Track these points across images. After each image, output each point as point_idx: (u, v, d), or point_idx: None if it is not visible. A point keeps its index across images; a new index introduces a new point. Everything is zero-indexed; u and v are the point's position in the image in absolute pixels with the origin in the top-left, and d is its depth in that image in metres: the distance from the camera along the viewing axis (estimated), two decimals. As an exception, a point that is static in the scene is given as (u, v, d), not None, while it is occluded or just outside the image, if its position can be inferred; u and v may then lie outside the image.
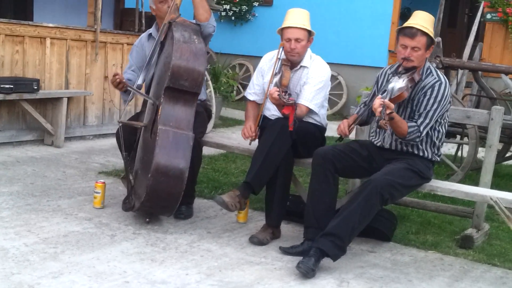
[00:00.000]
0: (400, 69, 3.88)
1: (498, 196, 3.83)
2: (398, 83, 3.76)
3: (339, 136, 4.03)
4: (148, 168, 3.97)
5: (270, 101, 4.10)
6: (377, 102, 3.57)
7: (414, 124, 3.78)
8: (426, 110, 3.80)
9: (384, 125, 3.53)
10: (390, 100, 3.67)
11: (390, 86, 3.77)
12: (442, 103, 3.82)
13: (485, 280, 3.82)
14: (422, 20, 3.84)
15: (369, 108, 4.11)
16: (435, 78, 3.86)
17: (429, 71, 3.91)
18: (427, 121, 3.80)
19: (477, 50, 7.18)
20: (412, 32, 3.79)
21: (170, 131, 4.01)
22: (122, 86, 4.35)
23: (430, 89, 3.82)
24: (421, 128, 3.78)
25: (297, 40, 4.19)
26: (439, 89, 3.81)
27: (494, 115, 4.34)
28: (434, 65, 5.87)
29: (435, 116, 3.81)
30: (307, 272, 3.54)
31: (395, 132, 3.81)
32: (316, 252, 3.61)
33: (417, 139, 3.82)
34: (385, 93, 3.74)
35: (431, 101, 3.80)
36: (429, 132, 3.89)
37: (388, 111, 3.54)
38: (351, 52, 11.13)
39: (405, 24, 3.86)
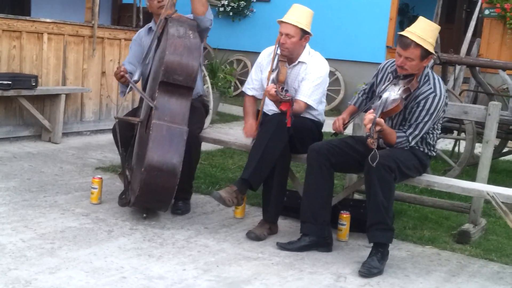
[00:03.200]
0: (399, 73, 3.85)
1: (495, 191, 3.83)
2: (393, 93, 3.74)
3: (334, 132, 4.08)
4: (142, 162, 3.98)
5: (267, 97, 4.11)
6: (368, 117, 3.53)
7: (403, 134, 3.78)
8: (417, 122, 3.78)
9: (372, 144, 3.46)
10: (384, 112, 3.66)
11: (385, 96, 3.76)
12: (434, 116, 3.78)
13: (482, 275, 3.83)
14: (421, 29, 3.73)
15: (368, 99, 4.13)
16: (431, 88, 3.79)
17: (426, 78, 3.84)
18: (416, 132, 3.79)
19: (475, 45, 7.18)
20: (406, 43, 3.71)
21: (164, 125, 4.01)
22: (125, 80, 4.37)
23: (424, 100, 3.76)
24: (410, 139, 3.79)
25: (287, 35, 4.19)
26: (433, 101, 3.76)
27: (491, 111, 4.35)
28: (432, 61, 5.94)
29: (425, 129, 3.80)
30: (369, 273, 3.62)
31: (384, 140, 3.82)
32: (374, 249, 3.74)
33: (405, 148, 3.83)
34: (380, 102, 3.72)
35: (423, 113, 3.76)
36: (423, 135, 3.89)
37: (377, 128, 3.51)
38: (349, 48, 11.11)
39: (405, 31, 3.76)
